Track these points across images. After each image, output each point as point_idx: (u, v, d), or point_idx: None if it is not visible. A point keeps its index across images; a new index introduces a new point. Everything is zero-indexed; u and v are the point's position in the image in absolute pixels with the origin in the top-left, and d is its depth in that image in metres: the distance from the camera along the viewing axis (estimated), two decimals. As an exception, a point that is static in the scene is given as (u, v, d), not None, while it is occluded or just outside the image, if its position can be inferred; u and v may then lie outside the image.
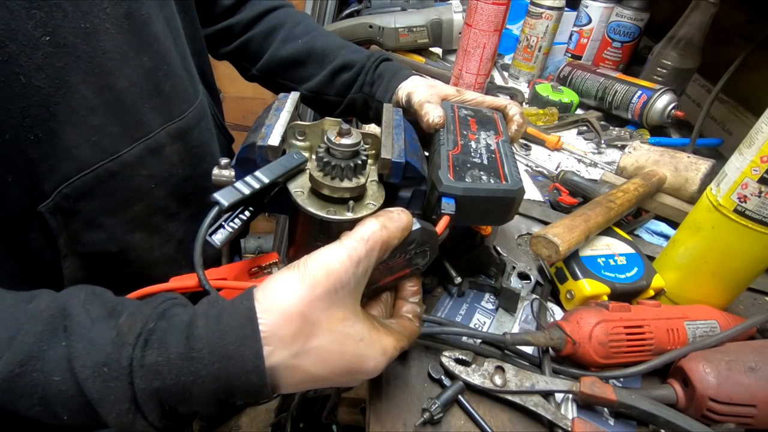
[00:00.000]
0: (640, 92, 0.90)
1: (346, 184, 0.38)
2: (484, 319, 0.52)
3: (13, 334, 0.29)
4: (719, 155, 0.89)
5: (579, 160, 0.84)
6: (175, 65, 0.50)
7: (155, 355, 0.28)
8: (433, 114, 0.49)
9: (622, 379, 0.46)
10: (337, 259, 0.31)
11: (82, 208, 0.44)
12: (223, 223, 0.36)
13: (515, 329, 0.51)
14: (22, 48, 0.36)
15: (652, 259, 0.58)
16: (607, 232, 0.59)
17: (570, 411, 0.43)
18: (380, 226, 0.33)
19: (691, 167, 0.66)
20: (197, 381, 0.28)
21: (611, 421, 0.43)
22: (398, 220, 0.34)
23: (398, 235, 0.34)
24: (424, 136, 0.50)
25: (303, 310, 0.29)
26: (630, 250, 0.57)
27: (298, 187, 0.39)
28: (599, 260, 0.54)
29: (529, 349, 0.48)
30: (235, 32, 0.66)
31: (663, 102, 0.88)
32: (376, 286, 0.38)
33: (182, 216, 0.54)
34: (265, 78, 0.68)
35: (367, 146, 0.42)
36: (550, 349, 0.46)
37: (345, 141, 0.37)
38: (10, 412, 0.29)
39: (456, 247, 0.53)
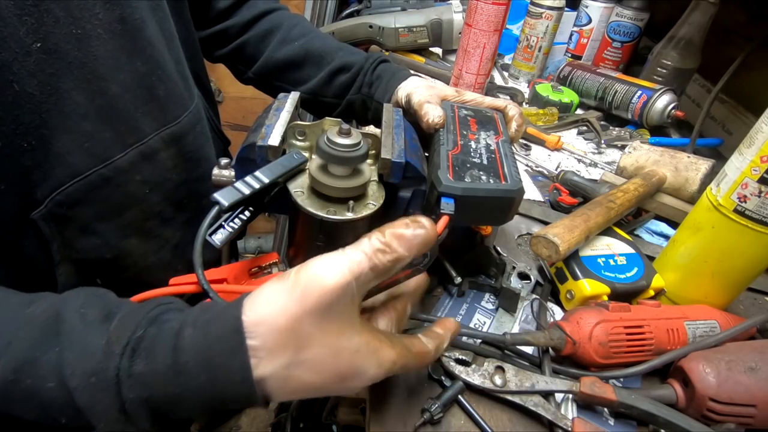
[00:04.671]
0: (640, 92, 0.90)
1: (346, 184, 0.38)
2: (484, 319, 0.52)
3: (9, 340, 0.28)
4: (719, 155, 0.89)
5: (579, 160, 0.84)
6: (169, 70, 0.49)
7: (142, 365, 0.28)
8: (432, 114, 0.49)
9: (622, 379, 0.46)
10: (336, 272, 0.28)
11: (75, 215, 0.44)
12: (223, 223, 0.36)
13: (515, 329, 0.51)
14: (15, 55, 0.36)
15: (652, 259, 0.58)
16: (607, 232, 0.59)
17: (570, 411, 0.43)
18: (394, 246, 0.29)
19: (691, 167, 0.66)
20: (186, 392, 0.28)
21: (611, 421, 0.43)
22: (414, 239, 0.29)
23: (412, 255, 0.29)
24: (424, 136, 0.50)
25: (292, 325, 0.28)
26: (630, 250, 0.57)
27: (298, 187, 0.39)
28: (599, 260, 0.54)
29: (529, 349, 0.48)
30: (231, 35, 0.66)
31: (663, 102, 0.88)
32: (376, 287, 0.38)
33: (177, 221, 0.54)
34: (262, 81, 0.67)
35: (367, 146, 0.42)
36: (550, 349, 0.46)
37: (345, 141, 0.37)
38: (11, 416, 0.29)
39: (456, 247, 0.53)
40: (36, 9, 0.36)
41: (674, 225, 0.68)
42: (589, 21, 1.08)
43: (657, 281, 0.53)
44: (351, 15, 1.16)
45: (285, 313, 0.28)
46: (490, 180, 0.43)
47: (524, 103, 0.99)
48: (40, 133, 0.39)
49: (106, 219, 0.46)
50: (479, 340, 0.47)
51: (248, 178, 0.36)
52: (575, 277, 0.52)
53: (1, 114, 0.36)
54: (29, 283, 0.45)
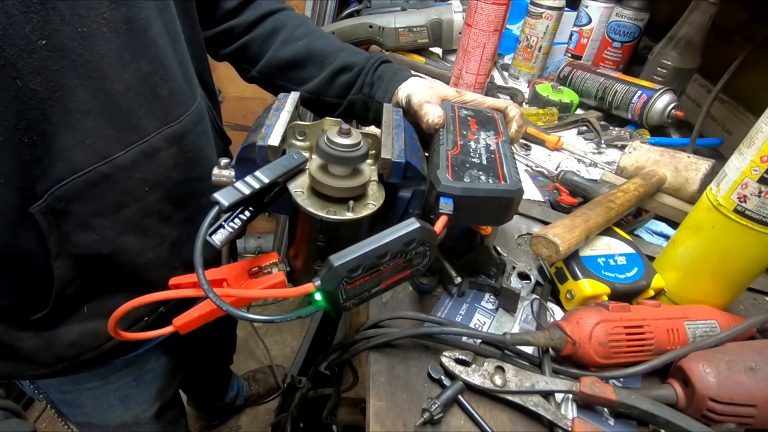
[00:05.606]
0: (640, 92, 0.90)
1: (346, 183, 0.38)
2: (484, 319, 0.52)
3: None
4: (719, 155, 0.89)
5: (579, 160, 0.84)
6: (173, 69, 0.50)
7: None
8: (432, 114, 0.49)
9: (622, 379, 0.46)
10: None
11: (73, 210, 0.44)
12: (223, 223, 0.36)
13: (515, 329, 0.51)
14: (19, 52, 0.36)
15: (652, 259, 0.58)
16: (607, 232, 0.59)
17: (570, 411, 0.43)
18: None
19: (691, 167, 0.66)
20: None
21: (611, 421, 0.43)
22: None
23: None
24: (424, 136, 0.50)
25: None
26: (630, 250, 0.57)
27: (298, 187, 0.39)
28: (599, 260, 0.54)
29: (529, 349, 0.48)
30: (236, 34, 0.66)
31: (663, 102, 0.88)
32: (378, 288, 0.38)
33: (176, 219, 0.54)
34: (265, 79, 0.68)
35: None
36: (550, 349, 0.46)
37: (345, 141, 0.37)
38: None
39: (456, 247, 0.53)
40: (42, 7, 0.37)
41: (674, 225, 0.68)
42: (589, 21, 1.08)
43: (657, 281, 0.53)
44: (351, 15, 1.16)
45: None
46: (490, 180, 0.43)
47: (524, 103, 0.99)
48: (42, 129, 0.39)
49: (104, 215, 0.47)
50: (479, 340, 0.47)
51: (248, 178, 0.36)
52: (575, 277, 0.52)
53: (3, 109, 0.37)
54: (26, 276, 0.45)
